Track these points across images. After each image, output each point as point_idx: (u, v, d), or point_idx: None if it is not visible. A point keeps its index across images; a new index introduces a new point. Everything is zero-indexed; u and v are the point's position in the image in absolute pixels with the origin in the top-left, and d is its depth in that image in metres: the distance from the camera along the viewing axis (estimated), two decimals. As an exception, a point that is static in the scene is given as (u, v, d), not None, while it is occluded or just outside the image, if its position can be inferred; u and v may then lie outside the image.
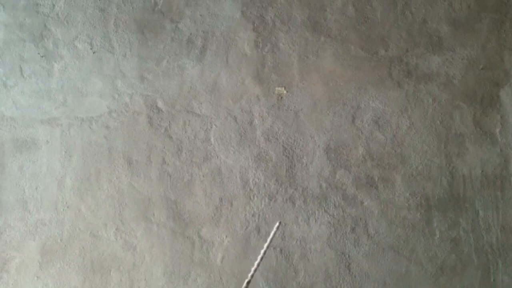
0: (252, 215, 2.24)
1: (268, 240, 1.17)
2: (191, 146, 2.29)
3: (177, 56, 2.34)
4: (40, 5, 2.40)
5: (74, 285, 2.24)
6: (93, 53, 2.37)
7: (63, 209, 2.28)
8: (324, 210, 2.22)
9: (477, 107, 2.25)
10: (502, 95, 2.25)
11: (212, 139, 2.29)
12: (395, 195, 2.21)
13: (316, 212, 2.22)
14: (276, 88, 2.30)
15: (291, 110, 2.29)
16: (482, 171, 2.22)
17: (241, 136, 2.29)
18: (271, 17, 2.34)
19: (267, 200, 2.24)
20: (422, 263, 2.18)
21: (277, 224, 1.28)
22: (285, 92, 2.30)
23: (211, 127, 2.30)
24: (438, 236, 2.19)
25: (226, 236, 2.24)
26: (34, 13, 2.40)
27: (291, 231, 2.21)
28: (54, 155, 2.31)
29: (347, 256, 2.18)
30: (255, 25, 2.34)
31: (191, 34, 2.35)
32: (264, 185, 2.24)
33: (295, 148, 2.27)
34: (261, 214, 2.23)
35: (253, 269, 1.20)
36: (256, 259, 2.21)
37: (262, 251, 1.23)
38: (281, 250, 2.19)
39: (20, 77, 2.37)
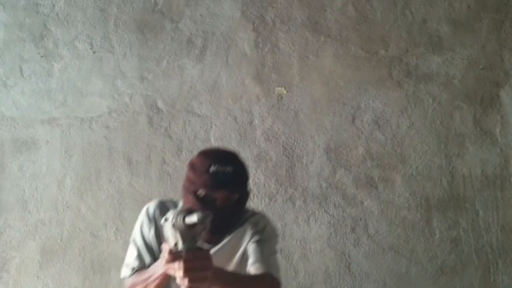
0: (252, 215, 2.24)
1: None
2: (191, 146, 2.29)
3: (177, 56, 2.34)
4: (40, 5, 2.40)
5: (74, 285, 2.24)
6: (93, 53, 2.37)
7: (63, 209, 2.28)
8: (324, 210, 2.22)
9: (477, 107, 2.24)
10: (502, 95, 2.24)
11: (212, 139, 2.29)
12: (395, 195, 2.21)
13: (316, 212, 2.22)
14: (276, 88, 2.30)
15: (291, 110, 2.29)
16: (482, 171, 2.21)
17: (241, 136, 2.29)
18: (271, 17, 2.34)
19: (267, 200, 2.23)
20: (422, 263, 2.18)
21: None
22: (285, 92, 2.30)
23: (211, 127, 2.30)
24: (438, 236, 2.19)
25: (226, 236, 2.24)
26: (34, 13, 2.39)
27: (291, 231, 2.21)
28: (54, 155, 2.31)
29: (347, 256, 2.18)
30: (255, 25, 2.34)
31: (191, 34, 2.35)
32: (264, 185, 2.24)
33: (295, 148, 2.26)
34: (261, 214, 2.23)
35: None
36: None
37: None
38: (281, 250, 2.19)
39: (20, 77, 2.37)
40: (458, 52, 2.27)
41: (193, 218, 1.05)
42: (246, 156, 2.27)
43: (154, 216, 1.42)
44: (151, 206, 1.45)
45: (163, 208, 1.43)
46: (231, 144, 2.28)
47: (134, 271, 1.42)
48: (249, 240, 1.39)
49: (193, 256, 1.08)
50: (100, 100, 2.34)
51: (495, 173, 2.21)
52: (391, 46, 2.28)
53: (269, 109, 2.29)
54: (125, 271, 1.44)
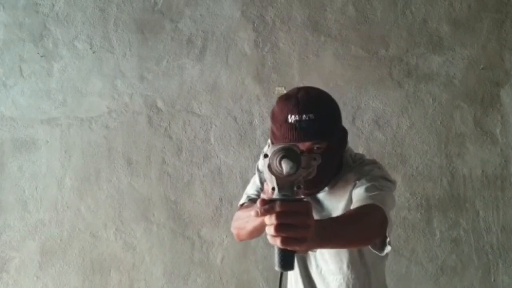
0: (252, 215, 2.23)
1: None
2: (191, 146, 2.29)
3: (177, 56, 2.34)
4: (40, 5, 2.39)
5: (74, 285, 2.24)
6: (93, 53, 2.36)
7: (62, 209, 2.28)
8: (324, 210, 2.21)
9: (478, 107, 2.24)
10: (502, 95, 2.24)
11: (212, 139, 2.29)
12: (395, 195, 2.20)
13: (316, 212, 2.21)
14: (276, 88, 2.30)
15: (291, 110, 2.28)
16: (482, 171, 2.21)
17: (241, 136, 2.28)
18: (271, 17, 2.34)
19: (267, 200, 2.23)
20: (422, 263, 2.18)
21: None
22: (285, 92, 2.29)
23: (211, 127, 2.30)
24: (438, 236, 2.19)
25: (226, 236, 2.23)
26: (33, 13, 2.39)
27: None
28: (53, 155, 2.31)
29: (347, 256, 2.18)
30: (255, 25, 2.34)
31: (191, 34, 2.35)
32: (264, 185, 2.24)
33: (295, 148, 2.26)
34: (261, 214, 2.22)
35: None
36: (256, 259, 2.21)
37: None
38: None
39: (20, 77, 2.36)
40: (458, 52, 2.27)
41: (290, 165, 0.82)
42: (246, 156, 2.27)
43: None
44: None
45: None
46: (231, 144, 2.28)
47: (248, 199, 1.36)
48: (353, 188, 1.20)
49: (288, 210, 0.81)
50: (99, 100, 2.33)
51: (495, 173, 2.21)
52: (391, 46, 2.28)
53: (269, 109, 2.28)
54: (242, 199, 1.39)
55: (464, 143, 2.22)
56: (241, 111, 2.29)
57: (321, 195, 1.27)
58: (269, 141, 1.35)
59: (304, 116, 1.12)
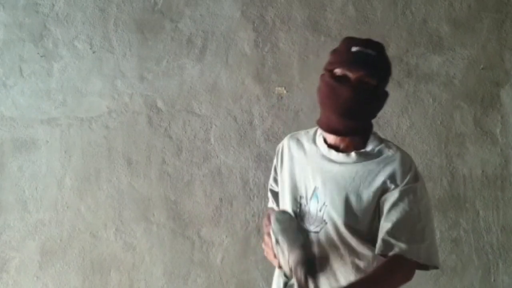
0: (252, 215, 2.24)
1: None
2: (191, 146, 2.29)
3: (177, 56, 2.34)
4: (40, 5, 2.39)
5: (74, 285, 2.24)
6: (93, 53, 2.36)
7: (62, 209, 2.28)
8: (324, 210, 2.21)
9: (478, 107, 2.24)
10: (502, 95, 2.24)
11: (212, 139, 2.29)
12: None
13: (316, 212, 2.21)
14: (276, 88, 2.30)
15: (291, 110, 2.28)
16: (482, 171, 2.21)
17: (241, 136, 2.28)
18: (271, 17, 2.34)
19: (267, 200, 2.23)
20: (422, 263, 2.18)
21: None
22: (285, 92, 2.29)
23: (211, 127, 2.30)
24: (438, 236, 2.18)
25: (226, 236, 2.24)
26: (33, 13, 2.39)
27: (291, 231, 2.20)
28: (53, 155, 2.31)
29: (347, 256, 2.18)
30: (255, 25, 2.34)
31: (191, 34, 2.35)
32: (264, 185, 2.23)
33: (295, 148, 2.26)
34: (261, 214, 2.22)
35: None
36: (256, 259, 2.21)
37: None
38: (281, 250, 2.18)
39: (20, 77, 2.36)
40: (458, 52, 2.27)
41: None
42: (246, 156, 2.27)
43: (280, 151, 1.42)
44: (282, 142, 1.44)
45: (292, 141, 1.40)
46: (231, 144, 2.28)
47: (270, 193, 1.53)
48: (382, 190, 1.21)
49: None
50: (99, 100, 2.33)
51: (495, 173, 2.21)
52: (391, 46, 2.28)
53: (269, 109, 2.29)
54: (270, 180, 1.54)
55: (464, 143, 2.22)
56: (241, 111, 2.29)
57: (342, 168, 1.25)
58: (277, 148, 1.44)
59: (367, 50, 1.20)
